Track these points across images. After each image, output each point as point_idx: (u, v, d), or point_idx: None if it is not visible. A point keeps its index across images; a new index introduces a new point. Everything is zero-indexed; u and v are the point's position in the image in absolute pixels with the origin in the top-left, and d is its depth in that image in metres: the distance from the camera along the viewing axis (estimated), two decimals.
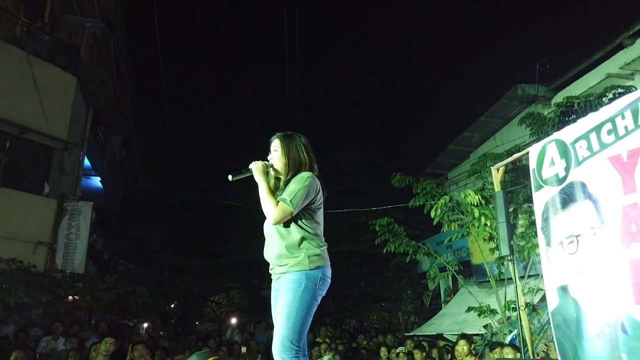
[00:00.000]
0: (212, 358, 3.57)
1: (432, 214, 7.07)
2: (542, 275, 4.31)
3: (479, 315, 7.16)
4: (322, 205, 2.61)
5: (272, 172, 2.65)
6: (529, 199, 5.73)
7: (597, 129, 3.33)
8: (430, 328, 10.15)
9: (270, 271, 2.59)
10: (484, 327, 7.59)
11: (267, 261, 2.61)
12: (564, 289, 3.52)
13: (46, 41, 9.84)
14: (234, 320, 16.33)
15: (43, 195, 9.44)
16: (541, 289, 6.36)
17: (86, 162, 11.53)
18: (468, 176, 8.21)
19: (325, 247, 2.56)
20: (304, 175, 2.51)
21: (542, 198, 3.79)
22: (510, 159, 4.84)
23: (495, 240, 6.62)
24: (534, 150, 3.96)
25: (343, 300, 15.03)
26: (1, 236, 8.24)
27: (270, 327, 8.23)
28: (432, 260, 8.25)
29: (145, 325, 11.67)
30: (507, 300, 6.73)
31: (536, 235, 4.41)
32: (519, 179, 6.54)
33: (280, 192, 2.53)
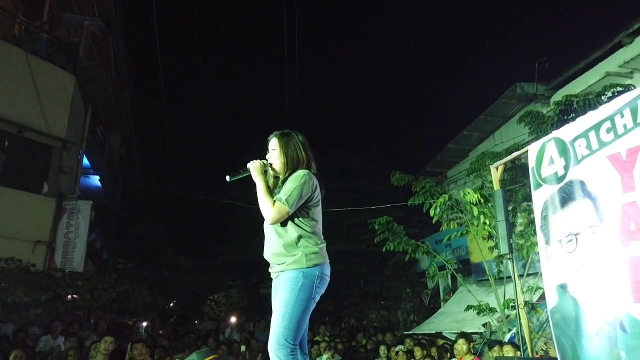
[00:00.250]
0: (211, 357, 3.58)
1: (432, 212, 7.06)
2: (541, 274, 4.33)
3: (478, 313, 7.16)
4: (320, 202, 2.61)
5: (270, 171, 2.64)
6: (528, 198, 5.74)
7: (596, 127, 3.33)
8: (430, 326, 10.16)
9: (269, 270, 2.59)
10: (483, 325, 7.59)
11: (266, 260, 2.62)
12: (563, 287, 3.52)
13: (45, 40, 9.82)
14: (233, 319, 16.34)
15: (42, 194, 9.43)
16: (540, 288, 6.36)
17: (85, 161, 11.51)
18: (467, 175, 8.21)
19: (324, 245, 2.55)
20: (300, 173, 2.51)
21: (541, 196, 3.79)
22: (509, 157, 4.84)
23: (494, 239, 6.62)
24: (533, 149, 3.96)
25: (342, 298, 15.04)
26: (0, 235, 8.23)
27: (269, 326, 8.20)
28: (431, 259, 8.25)
29: (145, 324, 11.67)
30: (506, 298, 6.73)
31: (535, 233, 4.41)
32: (518, 178, 6.54)
33: (277, 191, 2.54)
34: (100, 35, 12.26)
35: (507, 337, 6.30)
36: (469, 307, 7.38)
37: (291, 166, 2.58)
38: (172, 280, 16.97)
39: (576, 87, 8.76)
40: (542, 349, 5.81)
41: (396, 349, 7.67)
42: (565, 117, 6.13)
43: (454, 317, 9.37)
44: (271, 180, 2.65)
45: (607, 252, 3.14)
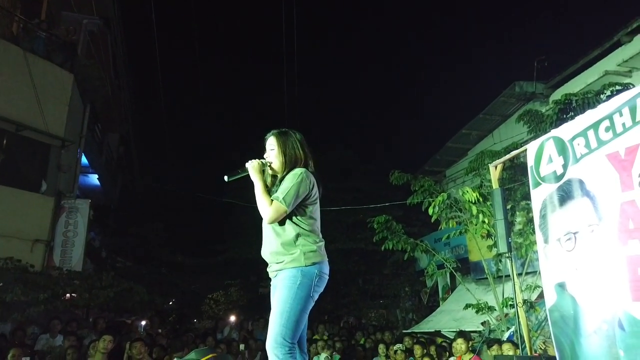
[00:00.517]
0: (210, 355, 3.58)
1: (430, 211, 7.07)
2: (539, 272, 4.32)
3: (477, 312, 7.16)
4: (318, 201, 2.60)
5: (268, 170, 2.63)
6: (526, 196, 5.74)
7: (595, 126, 3.33)
8: (428, 325, 10.17)
9: (268, 269, 2.59)
10: (482, 324, 7.60)
11: (264, 259, 2.61)
12: (561, 286, 3.52)
13: (43, 38, 9.78)
14: (232, 318, 16.34)
15: (40, 193, 9.41)
16: (539, 286, 6.36)
17: (83, 159, 11.49)
18: (466, 173, 8.21)
19: (323, 243, 2.55)
20: (297, 172, 2.50)
21: (540, 195, 3.79)
22: (508, 156, 4.84)
23: (493, 238, 6.62)
24: (531, 148, 3.96)
25: (341, 297, 15.04)
26: None
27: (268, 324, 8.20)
28: (430, 258, 8.25)
29: (144, 322, 11.67)
30: (504, 297, 6.74)
31: (534, 232, 4.41)
32: (516, 176, 6.54)
33: (275, 190, 2.53)
34: (99, 34, 12.23)
35: (506, 335, 6.31)
36: (467, 306, 7.39)
37: (290, 165, 2.58)
38: (171, 279, 16.95)
39: (575, 85, 8.77)
40: (540, 348, 5.82)
41: (395, 348, 7.67)
42: (564, 116, 6.14)
43: (453, 316, 9.38)
44: (269, 179, 2.64)
45: (606, 250, 3.15)
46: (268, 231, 2.55)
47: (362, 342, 9.38)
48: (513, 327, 6.12)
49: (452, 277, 9.99)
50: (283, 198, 2.41)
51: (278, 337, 2.30)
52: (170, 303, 17.87)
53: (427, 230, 12.17)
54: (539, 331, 6.24)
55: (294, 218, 2.49)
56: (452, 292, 11.41)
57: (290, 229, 2.47)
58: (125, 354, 5.82)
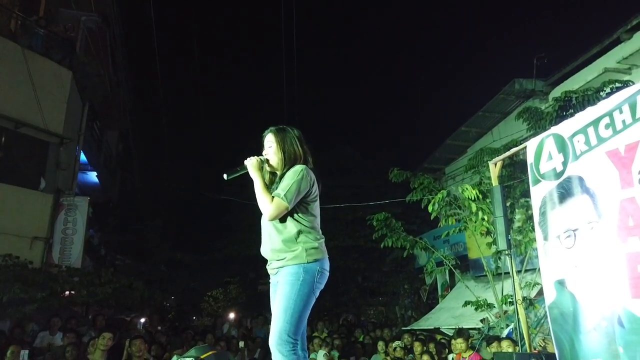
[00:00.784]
0: (210, 352, 3.58)
1: (430, 208, 7.06)
2: (539, 270, 4.33)
3: (476, 309, 7.17)
4: (318, 197, 2.60)
5: (267, 168, 2.63)
6: (526, 194, 5.74)
7: (595, 123, 3.33)
8: (428, 322, 10.17)
9: (267, 267, 2.58)
10: (481, 321, 7.62)
11: (264, 257, 2.60)
12: (561, 283, 3.53)
13: (41, 35, 9.76)
14: (231, 315, 16.35)
15: (39, 191, 9.40)
16: (538, 283, 6.37)
17: (82, 157, 11.47)
18: (465, 171, 8.21)
19: (323, 239, 2.55)
20: (297, 168, 2.50)
21: (540, 192, 3.79)
22: (507, 153, 4.84)
23: (492, 235, 6.62)
24: (531, 145, 3.95)
25: (340, 294, 15.05)
26: None
27: (268, 321, 8.23)
28: (429, 255, 8.26)
29: (143, 320, 11.67)
30: (504, 294, 6.75)
31: (533, 229, 4.41)
32: (516, 174, 6.54)
33: (275, 187, 2.52)
34: (97, 31, 12.19)
35: (505, 332, 6.32)
36: (467, 303, 7.39)
37: (288, 162, 2.57)
38: (170, 276, 16.95)
39: (575, 83, 8.75)
40: (540, 345, 5.84)
41: (394, 345, 7.69)
42: (564, 113, 6.13)
43: (452, 313, 9.38)
44: (267, 177, 2.63)
45: (605, 248, 3.15)
46: (268, 228, 2.55)
47: (361, 339, 9.40)
48: (512, 324, 6.13)
49: (452, 274, 9.99)
50: (284, 195, 2.40)
51: (283, 334, 2.30)
52: (169, 301, 17.87)
53: (426, 228, 12.17)
54: (538, 328, 6.25)
55: (295, 215, 2.48)
56: (451, 290, 11.41)
57: (291, 225, 2.47)
58: (125, 351, 5.81)
